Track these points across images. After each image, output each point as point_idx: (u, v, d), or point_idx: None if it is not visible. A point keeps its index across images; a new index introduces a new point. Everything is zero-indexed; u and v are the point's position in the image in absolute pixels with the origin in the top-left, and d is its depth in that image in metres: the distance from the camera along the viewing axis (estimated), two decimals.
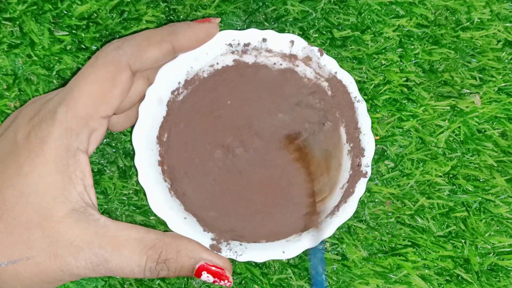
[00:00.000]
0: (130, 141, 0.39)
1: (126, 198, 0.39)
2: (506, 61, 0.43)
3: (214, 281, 0.31)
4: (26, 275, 0.29)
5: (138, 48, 0.31)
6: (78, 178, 0.30)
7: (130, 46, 0.31)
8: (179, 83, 0.35)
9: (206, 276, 0.31)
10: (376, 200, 0.41)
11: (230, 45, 0.35)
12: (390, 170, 0.41)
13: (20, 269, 0.28)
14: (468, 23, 0.43)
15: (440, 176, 0.41)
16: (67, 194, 0.29)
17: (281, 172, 0.36)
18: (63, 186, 0.29)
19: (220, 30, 0.35)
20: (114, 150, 0.40)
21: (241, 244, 0.33)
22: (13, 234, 0.28)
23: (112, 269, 0.29)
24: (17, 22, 0.40)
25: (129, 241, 0.30)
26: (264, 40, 0.35)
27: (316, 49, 0.36)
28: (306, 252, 0.39)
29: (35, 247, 0.28)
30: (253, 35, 0.35)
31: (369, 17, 0.42)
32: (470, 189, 0.41)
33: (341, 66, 0.36)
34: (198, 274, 0.31)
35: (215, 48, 0.35)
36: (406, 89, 0.42)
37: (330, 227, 0.34)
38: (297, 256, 0.39)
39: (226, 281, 0.32)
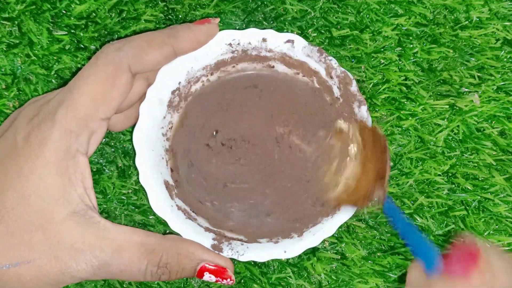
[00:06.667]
0: (129, 140, 0.39)
1: (125, 198, 0.39)
2: (505, 59, 0.43)
3: (217, 280, 0.31)
4: (27, 278, 0.28)
5: (139, 50, 0.31)
6: (78, 180, 0.30)
7: (131, 48, 0.31)
8: (180, 83, 0.35)
9: (208, 277, 0.31)
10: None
11: (230, 45, 0.35)
12: None
13: (21, 272, 0.28)
14: (467, 22, 0.43)
15: (439, 175, 0.41)
16: (68, 196, 0.29)
17: (285, 171, 0.36)
18: (63, 188, 0.29)
19: (220, 29, 0.35)
20: (113, 149, 0.40)
21: (242, 244, 0.33)
22: (14, 236, 0.28)
23: (112, 272, 0.29)
24: (16, 22, 0.39)
25: (130, 244, 0.30)
26: (264, 39, 0.35)
27: (316, 48, 0.36)
28: (310, 248, 0.39)
29: (36, 250, 0.28)
30: (253, 35, 0.35)
31: (367, 16, 0.42)
32: (469, 188, 0.41)
33: (340, 65, 0.36)
34: (200, 275, 0.31)
35: (215, 48, 0.35)
36: (405, 88, 0.42)
37: (332, 226, 0.34)
38: (297, 256, 0.39)
39: (228, 280, 0.32)
